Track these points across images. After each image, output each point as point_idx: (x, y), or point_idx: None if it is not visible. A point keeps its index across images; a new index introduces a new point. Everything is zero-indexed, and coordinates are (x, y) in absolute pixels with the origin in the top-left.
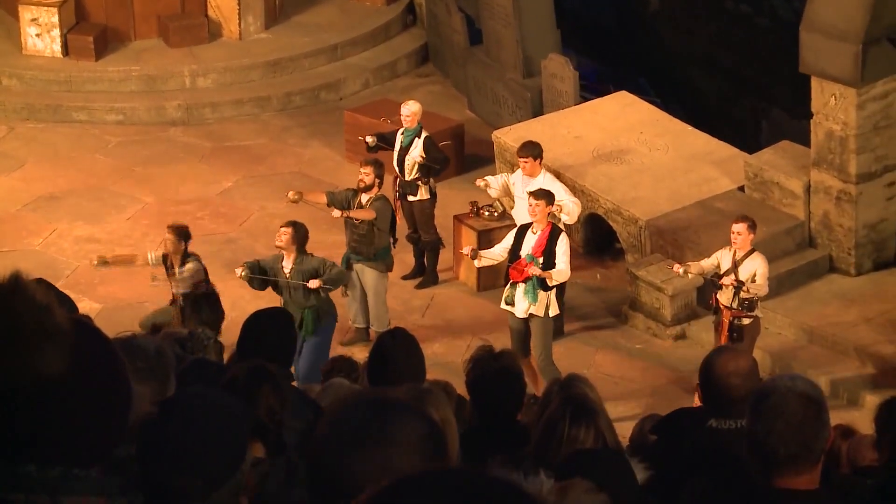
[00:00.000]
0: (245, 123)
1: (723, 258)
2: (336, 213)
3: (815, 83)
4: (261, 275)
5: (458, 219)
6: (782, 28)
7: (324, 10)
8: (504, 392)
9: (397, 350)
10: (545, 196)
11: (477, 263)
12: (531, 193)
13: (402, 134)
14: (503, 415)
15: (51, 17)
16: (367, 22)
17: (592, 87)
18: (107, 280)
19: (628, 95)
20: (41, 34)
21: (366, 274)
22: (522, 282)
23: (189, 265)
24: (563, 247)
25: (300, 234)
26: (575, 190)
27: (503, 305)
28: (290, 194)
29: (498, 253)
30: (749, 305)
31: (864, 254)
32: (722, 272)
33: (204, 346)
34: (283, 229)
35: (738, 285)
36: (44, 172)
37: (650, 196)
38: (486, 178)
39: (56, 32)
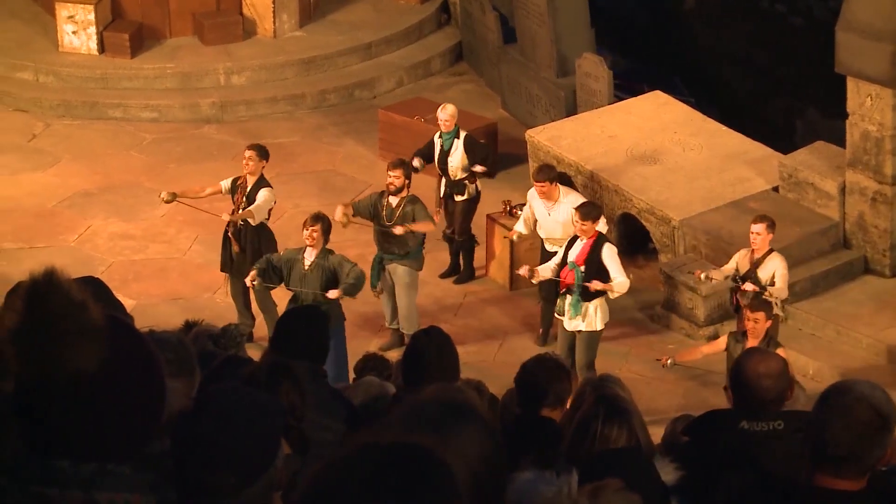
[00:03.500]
0: (279, 121)
1: (741, 260)
2: (399, 230)
3: (850, 83)
4: (273, 273)
5: (492, 218)
6: (818, 27)
7: (358, 8)
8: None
9: (431, 348)
10: (592, 213)
11: (534, 280)
12: (578, 213)
13: (440, 137)
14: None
15: (87, 14)
16: (402, 20)
17: (626, 86)
18: (141, 277)
19: (662, 95)
20: (77, 31)
21: (398, 272)
22: (567, 292)
23: (265, 193)
24: (613, 257)
25: (326, 227)
26: (608, 189)
27: (556, 315)
28: (339, 216)
29: (552, 268)
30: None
31: None
32: (741, 274)
33: (237, 343)
34: (312, 227)
35: (760, 292)
36: (79, 169)
37: (684, 196)
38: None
39: (92, 30)
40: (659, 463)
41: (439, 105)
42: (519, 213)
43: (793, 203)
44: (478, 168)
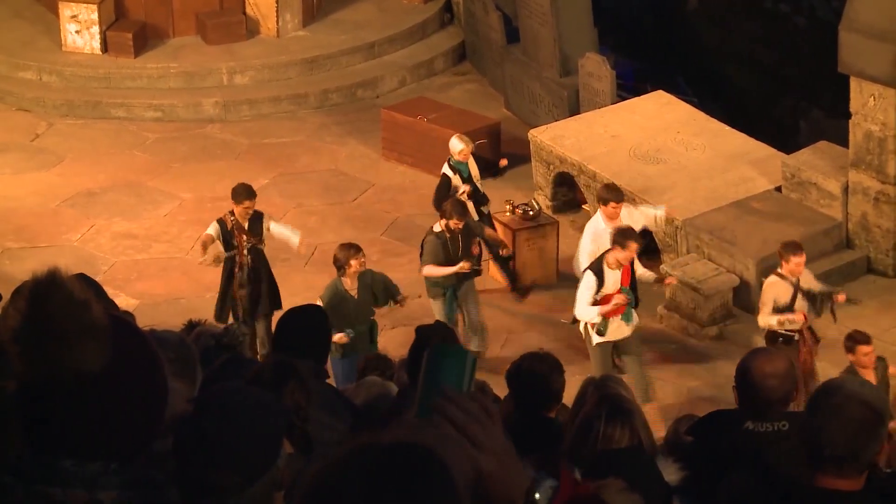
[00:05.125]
0: (282, 121)
1: (780, 293)
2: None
3: (853, 83)
4: (341, 307)
5: (494, 217)
6: (821, 27)
7: (361, 7)
8: (530, 389)
9: (436, 341)
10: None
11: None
12: (636, 242)
13: (456, 171)
14: (530, 410)
15: (90, 14)
16: (405, 20)
17: (629, 86)
18: (144, 276)
19: (665, 95)
20: (81, 31)
21: (472, 289)
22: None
23: (270, 219)
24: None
25: None
26: None
27: (598, 340)
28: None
29: (597, 310)
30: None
31: None
32: (787, 305)
33: (239, 342)
34: (361, 255)
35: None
36: (82, 168)
37: (687, 196)
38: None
39: (95, 29)
40: (662, 463)
41: (441, 105)
42: (520, 212)
43: (796, 203)
44: (504, 161)
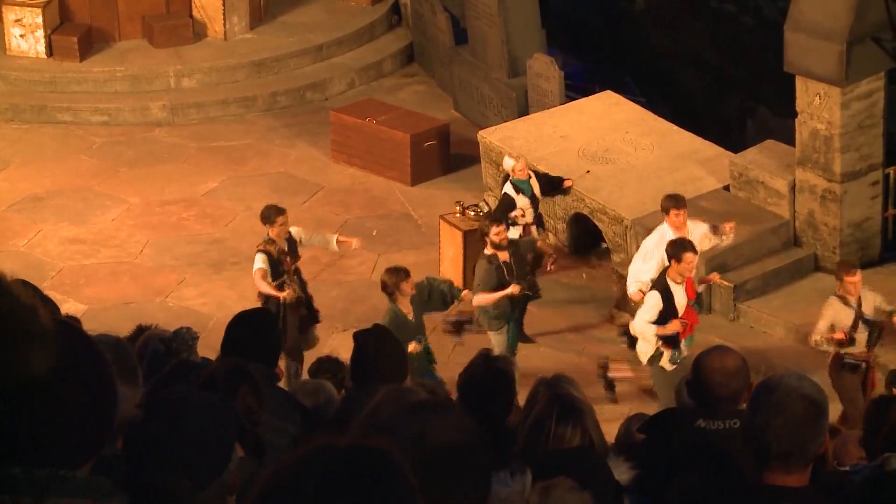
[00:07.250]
0: (230, 124)
1: (839, 316)
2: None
3: (799, 82)
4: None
5: (444, 218)
6: (767, 27)
7: (309, 10)
8: (494, 395)
9: (371, 342)
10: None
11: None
12: (694, 252)
13: (517, 188)
14: (492, 418)
15: (35, 17)
16: (353, 22)
17: (578, 86)
18: (92, 281)
19: (614, 95)
20: (25, 35)
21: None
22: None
23: (301, 229)
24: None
25: None
26: None
27: (671, 367)
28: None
29: (653, 330)
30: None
31: (849, 252)
32: (852, 324)
33: (188, 346)
34: (411, 279)
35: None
36: (29, 173)
37: (636, 195)
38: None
39: (40, 33)
40: (613, 462)
41: (390, 106)
42: (471, 213)
43: (743, 202)
44: (568, 182)
